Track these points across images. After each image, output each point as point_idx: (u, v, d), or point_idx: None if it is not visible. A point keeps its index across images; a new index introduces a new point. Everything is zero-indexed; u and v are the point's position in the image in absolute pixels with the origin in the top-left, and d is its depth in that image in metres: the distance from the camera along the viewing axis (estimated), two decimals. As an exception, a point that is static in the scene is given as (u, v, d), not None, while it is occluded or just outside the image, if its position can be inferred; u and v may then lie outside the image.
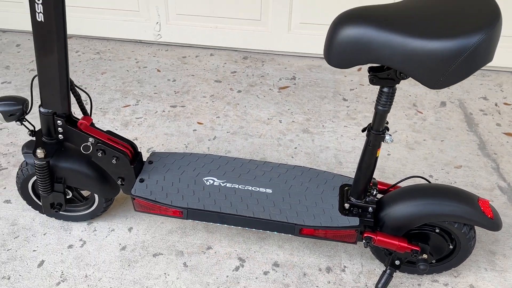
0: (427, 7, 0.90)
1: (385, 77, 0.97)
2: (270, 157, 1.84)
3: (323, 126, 2.04)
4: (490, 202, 1.24)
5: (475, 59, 0.83)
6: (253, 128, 2.01)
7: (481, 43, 0.82)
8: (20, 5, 2.60)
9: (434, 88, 0.87)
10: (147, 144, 1.89)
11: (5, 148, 1.82)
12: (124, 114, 2.06)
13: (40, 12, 1.01)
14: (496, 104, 2.22)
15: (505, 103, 2.23)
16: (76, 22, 2.60)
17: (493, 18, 0.84)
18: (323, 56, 2.52)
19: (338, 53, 0.92)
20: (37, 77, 1.18)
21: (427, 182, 1.31)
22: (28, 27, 2.64)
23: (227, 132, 1.98)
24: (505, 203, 1.65)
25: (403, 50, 0.85)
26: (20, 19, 2.64)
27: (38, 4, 0.99)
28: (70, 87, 1.20)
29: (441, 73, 0.84)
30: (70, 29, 2.56)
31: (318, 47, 2.52)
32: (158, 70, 2.41)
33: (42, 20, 1.02)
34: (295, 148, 1.90)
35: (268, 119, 2.08)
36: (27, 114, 1.24)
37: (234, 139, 1.94)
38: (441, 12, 0.88)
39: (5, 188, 1.64)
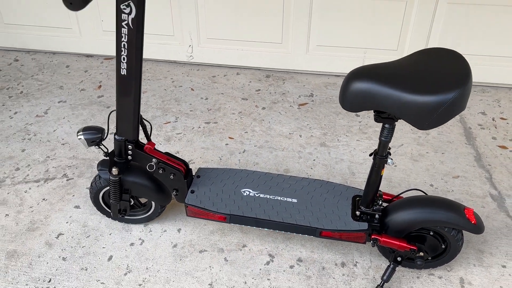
0: (416, 66, 1.20)
1: (386, 117, 1.27)
2: (292, 168, 2.15)
3: (338, 140, 2.34)
4: (474, 210, 1.52)
5: (451, 109, 1.12)
6: (277, 142, 2.32)
7: (455, 98, 1.11)
8: (69, 31, 2.95)
9: (422, 129, 1.17)
10: (187, 157, 2.21)
11: (69, 161, 2.17)
12: (166, 130, 2.39)
13: (124, 68, 1.33)
14: (493, 119, 2.48)
15: (501, 118, 2.49)
16: (118, 46, 2.93)
17: (465, 78, 1.14)
18: (337, 74, 2.83)
19: (350, 101, 1.23)
20: (114, 112, 1.51)
21: (424, 194, 1.61)
22: (75, 49, 3.00)
23: (255, 146, 2.29)
24: (495, 209, 1.93)
25: (399, 102, 1.15)
26: (68, 42, 2.99)
27: (123, 63, 1.32)
28: (139, 119, 1.53)
29: (426, 120, 1.14)
30: (112, 51, 2.90)
31: (332, 66, 2.82)
32: (192, 89, 2.74)
33: (125, 74, 1.34)
34: (314, 160, 2.21)
35: (289, 133, 2.38)
36: (103, 140, 1.57)
37: (260, 152, 2.25)
38: (427, 71, 1.18)
39: (73, 195, 1.98)
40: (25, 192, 1.98)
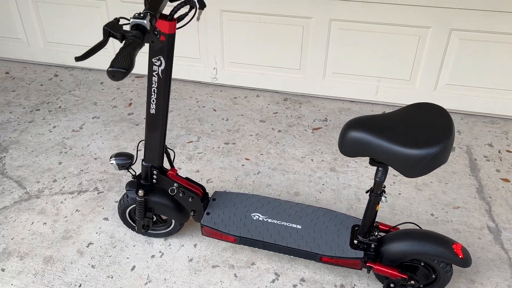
0: (406, 120, 1.36)
1: (380, 161, 1.43)
2: (302, 191, 2.32)
3: (347, 166, 2.50)
4: (463, 245, 1.66)
5: (434, 162, 1.28)
6: (290, 165, 2.50)
7: (438, 152, 1.27)
8: (104, 50, 3.20)
9: (408, 177, 1.33)
10: (206, 176, 2.42)
11: (100, 175, 2.40)
12: (188, 149, 2.60)
13: (153, 108, 1.54)
14: (499, 151, 2.59)
15: (507, 150, 2.60)
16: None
17: (447, 134, 1.29)
18: (352, 100, 2.98)
19: (347, 147, 1.39)
20: (142, 141, 1.72)
21: (418, 228, 1.76)
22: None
23: (269, 168, 2.48)
24: (490, 241, 2.06)
25: (389, 152, 1.31)
26: (103, 60, 3.25)
27: (152, 104, 1.53)
28: (164, 149, 1.73)
29: (412, 169, 1.30)
30: (143, 70, 3.14)
31: (347, 92, 2.97)
32: (214, 110, 2.94)
33: (153, 113, 1.55)
34: (323, 184, 2.37)
35: (302, 157, 2.56)
36: (132, 165, 1.78)
37: (274, 174, 2.43)
38: (415, 125, 1.34)
39: (103, 208, 2.21)
40: (61, 203, 2.22)
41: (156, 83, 1.48)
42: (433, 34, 2.63)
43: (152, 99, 1.52)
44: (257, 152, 2.59)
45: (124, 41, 1.12)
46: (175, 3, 1.41)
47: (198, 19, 1.48)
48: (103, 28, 1.16)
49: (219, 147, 2.62)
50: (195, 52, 3.06)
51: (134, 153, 1.88)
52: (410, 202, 2.26)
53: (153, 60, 1.42)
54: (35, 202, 2.22)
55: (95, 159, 2.51)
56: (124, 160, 1.75)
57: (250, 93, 3.12)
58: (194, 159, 2.53)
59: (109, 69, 1.03)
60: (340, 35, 2.77)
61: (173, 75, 3.20)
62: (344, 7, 2.67)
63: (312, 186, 2.36)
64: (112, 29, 1.15)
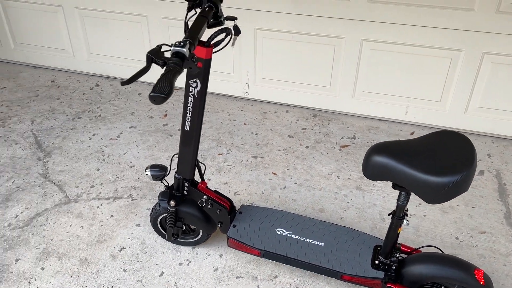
0: (429, 147, 1.40)
1: (402, 186, 1.47)
2: (327, 208, 2.37)
3: (373, 185, 2.53)
4: (484, 272, 1.66)
5: (455, 189, 1.31)
6: (316, 182, 2.55)
7: (459, 180, 1.30)
8: (142, 62, 3.37)
9: (429, 203, 1.37)
10: (234, 188, 2.50)
11: (135, 183, 2.53)
12: (218, 161, 2.70)
13: (188, 125, 1.64)
14: (530, 177, 2.56)
15: (539, 177, 2.56)
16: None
17: (469, 163, 1.32)
18: (381, 119, 3.01)
19: (370, 171, 1.45)
20: (176, 155, 1.83)
21: (440, 252, 1.78)
22: (147, 79, 3.41)
23: (295, 183, 2.54)
24: (516, 269, 2.04)
25: (411, 179, 1.36)
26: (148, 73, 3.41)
27: (187, 121, 1.63)
28: (196, 163, 1.83)
29: (433, 196, 1.34)
30: (178, 83, 3.28)
31: (376, 111, 3.01)
32: (245, 123, 3.04)
33: (188, 129, 1.66)
34: (348, 202, 2.41)
35: (328, 174, 2.61)
36: (166, 176, 1.89)
37: (299, 190, 2.49)
38: (437, 153, 1.38)
39: (136, 214, 2.33)
40: (97, 208, 2.36)
41: (191, 103, 1.58)
42: (465, 57, 2.64)
43: (187, 117, 1.63)
44: (284, 167, 2.66)
45: (165, 68, 1.22)
46: (213, 30, 1.51)
47: (233, 44, 1.58)
48: (147, 55, 1.27)
49: (247, 161, 2.70)
50: (229, 67, 3.17)
51: (168, 165, 2.00)
52: (435, 224, 2.27)
53: (190, 82, 1.52)
54: (74, 206, 2.36)
55: (131, 167, 2.65)
56: (158, 171, 1.86)
57: (280, 108, 3.20)
58: (223, 171, 2.62)
59: (151, 94, 1.13)
60: (371, 55, 2.82)
61: (208, 89, 3.33)
62: (376, 28, 2.72)
63: (337, 203, 2.40)
64: (154, 56, 1.26)
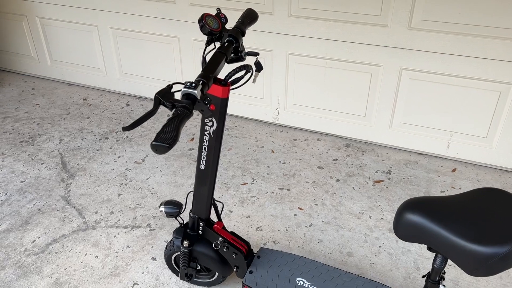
0: (472, 208, 1.21)
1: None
2: (356, 252, 2.18)
3: (408, 227, 2.31)
4: None
5: (503, 263, 1.12)
6: (345, 220, 2.37)
7: (508, 253, 1.11)
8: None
9: (471, 275, 1.17)
10: (256, 223, 2.37)
11: (155, 212, 2.44)
12: (242, 191, 2.58)
13: (203, 164, 1.53)
14: None
15: None
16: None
17: (522, 233, 1.12)
18: (420, 153, 2.79)
19: (402, 231, 1.27)
20: (191, 192, 1.71)
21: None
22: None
23: (322, 221, 2.37)
24: None
25: (448, 244, 1.17)
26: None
27: (203, 160, 1.52)
28: (212, 202, 1.71)
29: (475, 268, 1.14)
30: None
31: (415, 144, 2.79)
32: (272, 151, 2.90)
33: (203, 168, 1.54)
34: (380, 246, 2.21)
35: (359, 212, 2.42)
36: (180, 213, 1.78)
37: (326, 229, 2.32)
38: (482, 215, 1.18)
39: (152, 246, 2.23)
40: (114, 237, 2.28)
41: (207, 142, 1.47)
42: (516, 90, 2.40)
43: (202, 156, 1.51)
44: (311, 201, 2.50)
45: (173, 111, 1.12)
46: (233, 66, 1.39)
47: (254, 81, 1.46)
48: (155, 96, 1.17)
49: (272, 192, 2.56)
50: (259, 91, 3.05)
51: (185, 197, 1.90)
52: (477, 278, 2.03)
53: (206, 120, 1.41)
54: (91, 233, 2.30)
55: (152, 193, 2.57)
56: (173, 209, 1.76)
57: (310, 136, 3.04)
58: (246, 203, 2.49)
59: (153, 142, 1.02)
60: (411, 85, 2.62)
61: (236, 112, 3.22)
62: (417, 57, 2.52)
63: (368, 247, 2.21)
64: (163, 97, 1.15)
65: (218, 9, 1.45)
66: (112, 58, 3.42)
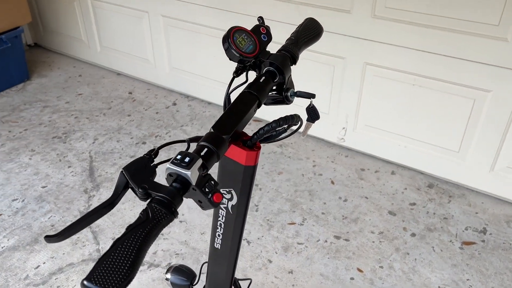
0: None
1: None
2: None
3: (507, 321, 1.69)
4: None
5: None
6: (418, 296, 1.79)
7: None
8: (225, 86, 2.85)
9: None
10: (300, 282, 1.86)
11: (179, 247, 2.02)
12: (288, 234, 2.07)
13: (218, 243, 1.05)
14: None
15: None
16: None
17: None
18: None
19: None
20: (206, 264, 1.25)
21: None
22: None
23: (387, 293, 1.81)
24: None
25: None
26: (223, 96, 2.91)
27: (218, 238, 1.04)
28: (234, 283, 1.23)
29: None
30: (261, 114, 2.70)
31: (525, 199, 2.10)
32: (332, 182, 2.36)
33: (219, 248, 1.06)
34: None
35: (438, 287, 1.82)
36: (193, 286, 1.33)
37: (392, 306, 1.76)
38: None
39: (169, 295, 1.81)
40: (127, 275, 1.90)
41: (223, 218, 0.98)
42: None
43: (217, 233, 1.03)
44: (375, 261, 1.93)
45: (146, 206, 0.64)
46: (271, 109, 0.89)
47: (304, 134, 0.94)
48: (120, 173, 0.70)
49: (326, 241, 2.03)
50: (324, 105, 2.50)
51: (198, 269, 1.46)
52: None
53: (221, 190, 0.92)
54: (102, 266, 1.93)
55: (180, 221, 2.15)
56: (182, 280, 1.30)
57: (383, 167, 2.44)
58: (290, 252, 1.98)
59: (84, 281, 0.56)
60: (531, 122, 1.93)
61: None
62: (546, 86, 1.83)
63: None
64: (133, 177, 0.68)
65: (260, 18, 0.94)
66: (162, 49, 3.02)
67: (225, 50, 0.85)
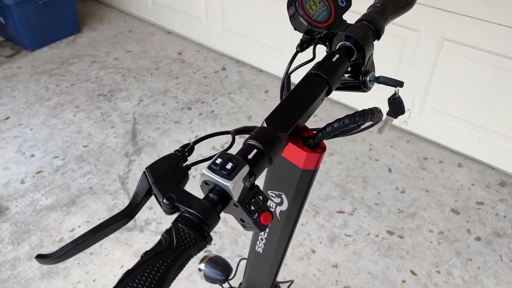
0: None
1: None
2: None
3: None
4: None
5: None
6: (479, 312, 1.58)
7: None
8: (278, 52, 2.63)
9: None
10: (344, 279, 1.69)
11: (217, 226, 1.90)
12: (335, 223, 1.89)
13: (260, 247, 0.89)
14: None
15: None
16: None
17: None
18: None
19: None
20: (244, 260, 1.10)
21: None
22: (279, 72, 2.68)
23: (443, 302, 1.61)
24: None
25: None
26: (275, 63, 2.70)
27: (260, 241, 0.88)
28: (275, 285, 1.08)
29: None
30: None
31: None
32: (390, 170, 2.13)
33: (260, 252, 0.90)
34: None
35: (504, 303, 1.60)
36: (229, 280, 1.19)
37: (447, 318, 1.56)
38: None
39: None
40: (161, 249, 1.81)
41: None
42: None
43: (260, 237, 0.87)
44: (432, 264, 1.72)
45: (170, 227, 0.49)
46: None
47: (381, 131, 0.74)
48: (143, 173, 0.54)
49: (377, 236, 1.84)
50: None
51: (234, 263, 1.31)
52: None
53: (269, 191, 0.75)
54: (136, 237, 1.85)
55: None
56: (217, 274, 1.17)
57: (449, 157, 2.18)
58: (336, 243, 1.81)
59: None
60: None
61: (348, 101, 2.46)
62: None
63: None
64: (157, 181, 0.53)
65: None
66: (216, 8, 2.82)
67: (290, 17, 0.65)
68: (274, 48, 2.65)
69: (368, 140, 2.29)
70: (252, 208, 0.51)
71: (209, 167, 0.51)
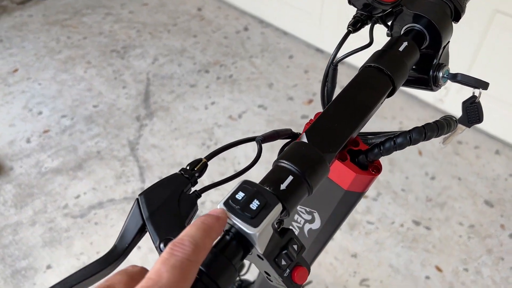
0: None
1: None
2: None
3: None
4: None
5: None
6: (508, 317, 1.46)
7: None
8: (308, 16, 2.41)
9: None
10: (363, 270, 1.57)
11: (230, 201, 1.78)
12: (357, 208, 1.74)
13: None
14: None
15: None
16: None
17: None
18: None
19: None
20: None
21: None
22: (307, 37, 2.47)
23: (469, 304, 1.49)
24: None
25: None
26: (303, 27, 2.49)
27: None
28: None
29: None
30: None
31: None
32: (420, 153, 1.96)
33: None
34: None
35: (536, 310, 1.47)
36: (240, 276, 1.08)
37: (473, 322, 1.45)
38: None
39: (212, 255, 1.61)
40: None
41: (301, 220, 0.67)
42: None
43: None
44: (460, 261, 1.59)
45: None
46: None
47: (445, 141, 0.58)
48: (135, 200, 0.40)
49: (402, 225, 1.70)
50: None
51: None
52: None
53: (299, 207, 0.60)
54: (144, 208, 1.75)
55: (235, 171, 1.89)
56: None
57: (486, 142, 1.99)
58: (357, 231, 1.68)
59: None
60: None
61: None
62: None
63: None
64: (153, 215, 0.38)
65: None
66: (241, -38, 2.58)
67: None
68: (302, 10, 2.43)
69: (398, 118, 2.11)
70: (283, 262, 0.37)
71: (226, 204, 0.36)
